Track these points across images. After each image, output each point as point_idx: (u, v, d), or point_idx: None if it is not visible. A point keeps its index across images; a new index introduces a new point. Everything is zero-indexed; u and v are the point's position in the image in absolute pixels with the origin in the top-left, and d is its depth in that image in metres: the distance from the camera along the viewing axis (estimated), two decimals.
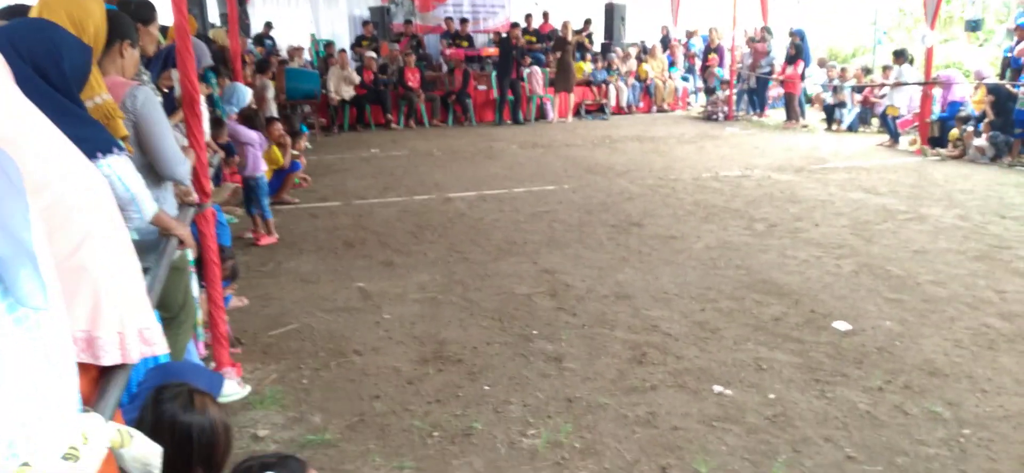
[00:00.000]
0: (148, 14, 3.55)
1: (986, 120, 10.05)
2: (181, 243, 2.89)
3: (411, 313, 4.63)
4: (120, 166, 2.36)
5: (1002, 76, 10.81)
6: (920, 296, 4.80)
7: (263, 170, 6.56)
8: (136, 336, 1.66)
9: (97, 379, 1.60)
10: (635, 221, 6.86)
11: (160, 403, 1.87)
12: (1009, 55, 11.16)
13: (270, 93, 9.68)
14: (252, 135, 6.35)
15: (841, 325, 4.33)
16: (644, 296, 4.89)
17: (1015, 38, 11.14)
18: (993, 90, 10.11)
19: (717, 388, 3.59)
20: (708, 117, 15.50)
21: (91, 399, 1.53)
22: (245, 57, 10.48)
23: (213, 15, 15.21)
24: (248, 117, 6.51)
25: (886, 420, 3.27)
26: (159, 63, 4.03)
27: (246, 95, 7.13)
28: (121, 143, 2.47)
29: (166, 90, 4.00)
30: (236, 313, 4.59)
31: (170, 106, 3.85)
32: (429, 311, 4.67)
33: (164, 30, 4.56)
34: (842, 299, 4.77)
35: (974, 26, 16.44)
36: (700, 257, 5.72)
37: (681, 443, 3.11)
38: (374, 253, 5.97)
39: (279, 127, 7.58)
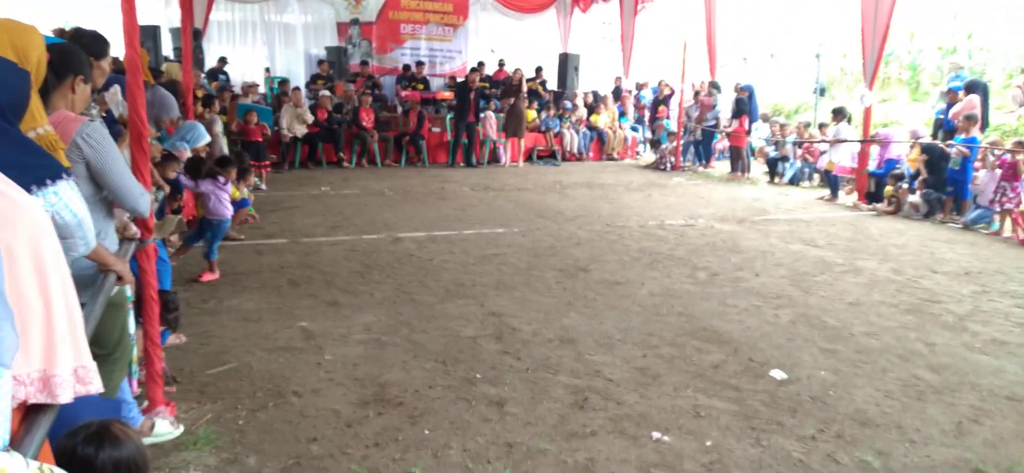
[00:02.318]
0: (101, 49, 3.51)
1: (920, 178, 10.43)
2: (119, 279, 2.84)
3: (354, 354, 4.59)
4: (67, 192, 2.32)
5: (935, 136, 11.24)
6: (854, 347, 4.93)
7: (230, 213, 6.45)
8: (71, 375, 1.63)
9: (24, 417, 1.57)
10: (582, 266, 6.93)
11: (73, 447, 1.82)
12: (941, 117, 11.62)
13: (218, 127, 9.56)
14: (211, 186, 6.31)
15: (777, 374, 4.42)
16: (588, 341, 4.92)
17: (947, 101, 11.63)
18: (927, 149, 10.52)
19: (656, 434, 3.62)
20: (656, 166, 15.79)
21: (17, 437, 1.50)
22: (197, 92, 10.38)
23: (167, 49, 15.07)
24: (191, 168, 6.40)
25: (818, 469, 3.34)
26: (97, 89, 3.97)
27: (203, 135, 7.00)
28: (68, 169, 2.44)
29: (103, 114, 3.94)
30: (173, 351, 4.48)
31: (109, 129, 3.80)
32: (372, 352, 4.63)
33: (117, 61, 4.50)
34: (779, 348, 4.87)
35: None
36: (644, 303, 5.79)
37: None
38: (319, 292, 5.91)
39: (231, 173, 7.49)
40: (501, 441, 3.51)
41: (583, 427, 3.67)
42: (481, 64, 17.30)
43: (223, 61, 15.77)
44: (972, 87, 11.17)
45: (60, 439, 1.84)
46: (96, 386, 1.71)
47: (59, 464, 1.77)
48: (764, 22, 20.65)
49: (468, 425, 3.67)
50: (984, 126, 11.12)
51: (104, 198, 2.92)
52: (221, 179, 6.39)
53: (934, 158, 10.36)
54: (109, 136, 2.89)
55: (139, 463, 1.87)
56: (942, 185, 10.19)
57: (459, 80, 15.68)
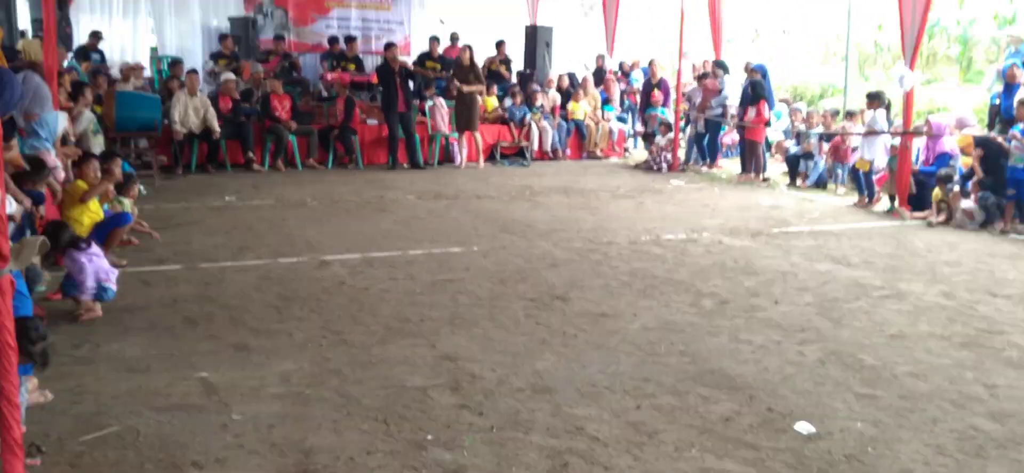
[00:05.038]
0: None
1: (974, 179, 10.57)
2: None
3: (269, 413, 4.55)
4: None
5: (991, 126, 11.43)
6: (897, 391, 5.00)
7: (111, 279, 6.25)
8: None
9: None
10: (559, 294, 6.96)
11: None
12: (997, 102, 11.80)
13: (87, 122, 9.44)
14: (80, 259, 6.13)
15: (804, 427, 4.47)
16: (568, 390, 4.94)
17: (1005, 82, 11.80)
18: (981, 143, 10.66)
19: None
20: (649, 167, 15.91)
21: None
22: (62, 76, 10.25)
23: (24, 21, 14.86)
24: (28, 174, 6.18)
25: None
26: None
27: (58, 123, 6.90)
28: None
29: None
30: (37, 411, 4.41)
31: None
32: (293, 410, 4.59)
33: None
34: (805, 395, 4.93)
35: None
36: (636, 340, 5.83)
37: None
38: (223, 333, 5.86)
39: (94, 166, 7.37)
40: None
41: None
42: (433, 39, 17.23)
43: (97, 36, 15.60)
44: None
45: None
46: None
47: None
48: None
49: None
50: None
51: None
52: (82, 245, 6.16)
53: (990, 154, 10.50)
54: None
55: None
56: (1001, 187, 10.33)
57: (382, 61, 15.41)
